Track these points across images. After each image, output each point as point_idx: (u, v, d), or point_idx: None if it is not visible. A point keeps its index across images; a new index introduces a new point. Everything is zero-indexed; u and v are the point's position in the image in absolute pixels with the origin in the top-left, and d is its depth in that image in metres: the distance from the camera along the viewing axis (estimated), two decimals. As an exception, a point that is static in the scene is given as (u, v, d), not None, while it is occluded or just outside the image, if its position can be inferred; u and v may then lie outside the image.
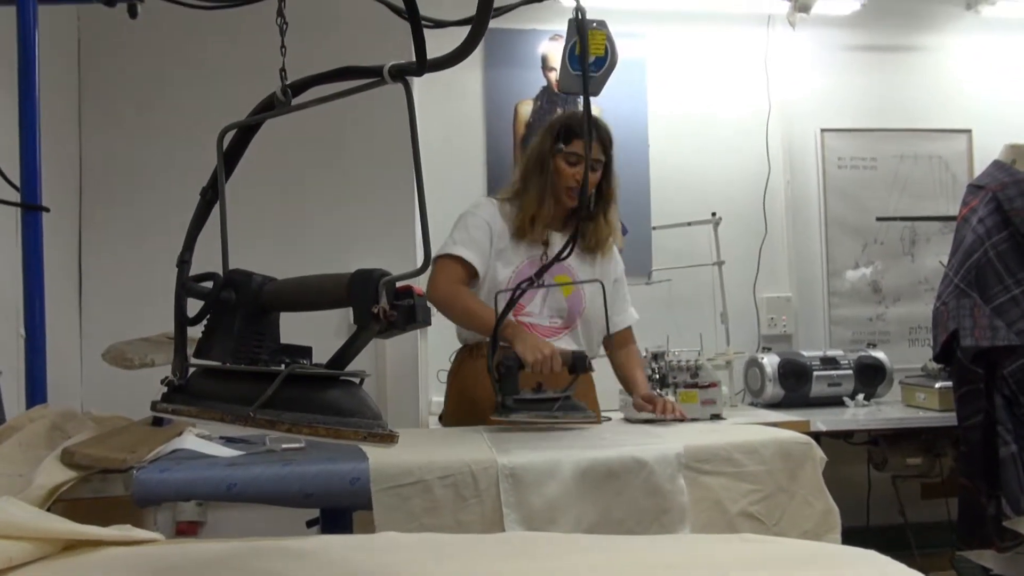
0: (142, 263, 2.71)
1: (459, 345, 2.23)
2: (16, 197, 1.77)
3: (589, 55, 1.54)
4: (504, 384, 1.83)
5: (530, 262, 2.09)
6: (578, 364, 1.90)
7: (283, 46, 0.85)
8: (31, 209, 1.68)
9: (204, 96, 2.76)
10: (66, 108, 2.71)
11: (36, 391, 1.66)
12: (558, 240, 2.12)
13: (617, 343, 2.22)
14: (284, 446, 1.61)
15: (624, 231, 3.15)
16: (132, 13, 2.10)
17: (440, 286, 2.06)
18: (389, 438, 0.77)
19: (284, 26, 0.86)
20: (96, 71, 2.79)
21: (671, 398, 2.16)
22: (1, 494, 1.18)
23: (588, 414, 1.86)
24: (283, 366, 0.81)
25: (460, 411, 2.13)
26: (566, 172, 2.07)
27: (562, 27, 3.33)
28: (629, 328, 2.28)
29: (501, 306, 1.89)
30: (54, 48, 2.58)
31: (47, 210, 1.73)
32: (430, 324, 0.80)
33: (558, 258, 1.77)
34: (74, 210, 2.75)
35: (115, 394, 2.02)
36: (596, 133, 2.05)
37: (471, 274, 2.09)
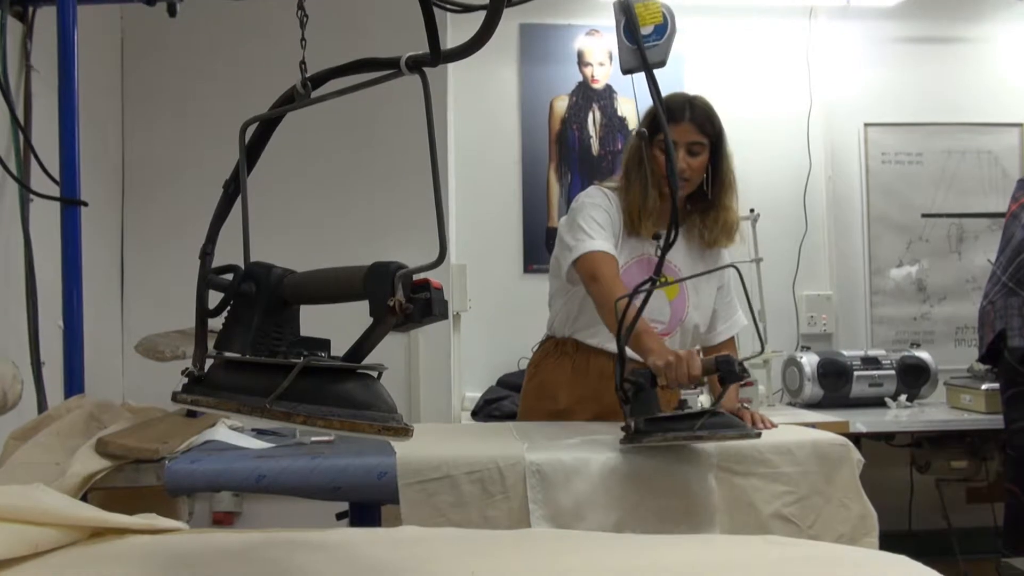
0: (183, 258, 2.73)
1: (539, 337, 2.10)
2: (58, 191, 1.82)
3: (647, 25, 1.49)
4: (635, 405, 1.50)
5: (638, 261, 1.93)
6: (723, 370, 1.47)
7: (303, 39, 0.85)
8: (70, 203, 1.72)
9: (245, 94, 2.79)
10: (110, 106, 2.77)
11: (74, 381, 1.70)
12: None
13: (712, 349, 2.05)
14: (313, 439, 1.62)
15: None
16: (171, 12, 2.14)
17: (605, 284, 1.78)
18: (403, 431, 0.76)
19: (304, 19, 0.86)
20: (139, 69, 2.85)
21: (760, 411, 1.87)
22: (38, 482, 1.21)
23: (744, 430, 1.48)
24: (300, 358, 0.81)
25: (539, 407, 2.01)
26: (662, 161, 1.87)
27: (597, 22, 3.32)
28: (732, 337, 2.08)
29: (625, 313, 1.57)
30: (98, 47, 2.64)
31: (85, 204, 1.76)
32: (447, 318, 0.80)
33: (669, 246, 1.52)
34: (117, 206, 2.81)
35: (155, 386, 2.05)
36: (691, 114, 1.87)
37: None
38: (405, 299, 0.77)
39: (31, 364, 1.90)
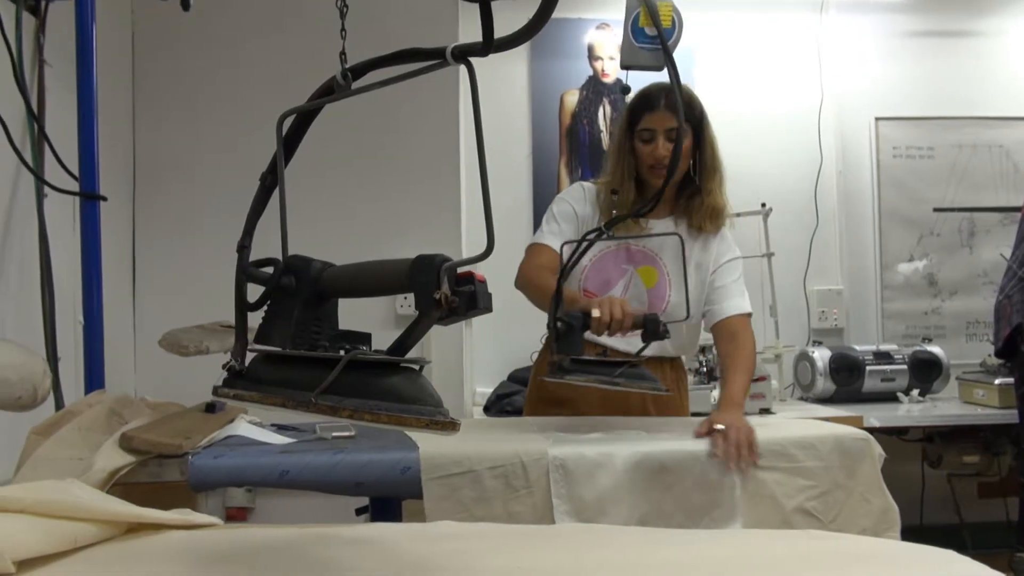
0: (194, 252, 2.76)
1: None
2: (74, 186, 1.81)
3: (656, 23, 1.50)
4: (562, 343, 1.59)
5: (616, 249, 1.96)
6: (649, 328, 1.62)
7: (343, 29, 0.84)
8: (89, 198, 1.71)
9: (255, 87, 2.78)
10: (120, 99, 2.76)
11: (94, 377, 1.70)
12: (660, 228, 1.95)
13: (724, 334, 1.91)
14: (334, 434, 1.62)
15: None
16: (185, 5, 2.13)
17: (523, 270, 1.94)
18: (451, 425, 0.76)
19: (344, 8, 0.85)
20: (150, 63, 2.83)
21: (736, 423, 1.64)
22: (62, 476, 1.20)
23: (656, 384, 1.63)
24: (342, 352, 0.80)
25: (540, 401, 2.03)
26: (642, 151, 1.91)
27: (607, 16, 3.30)
28: (743, 318, 1.92)
29: (565, 257, 1.70)
30: (109, 41, 2.62)
31: (104, 199, 1.76)
32: (491, 310, 0.79)
33: (639, 214, 1.70)
34: (128, 200, 2.80)
35: (168, 380, 2.05)
36: (667, 100, 1.88)
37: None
38: (450, 292, 0.77)
39: (48, 359, 1.89)
